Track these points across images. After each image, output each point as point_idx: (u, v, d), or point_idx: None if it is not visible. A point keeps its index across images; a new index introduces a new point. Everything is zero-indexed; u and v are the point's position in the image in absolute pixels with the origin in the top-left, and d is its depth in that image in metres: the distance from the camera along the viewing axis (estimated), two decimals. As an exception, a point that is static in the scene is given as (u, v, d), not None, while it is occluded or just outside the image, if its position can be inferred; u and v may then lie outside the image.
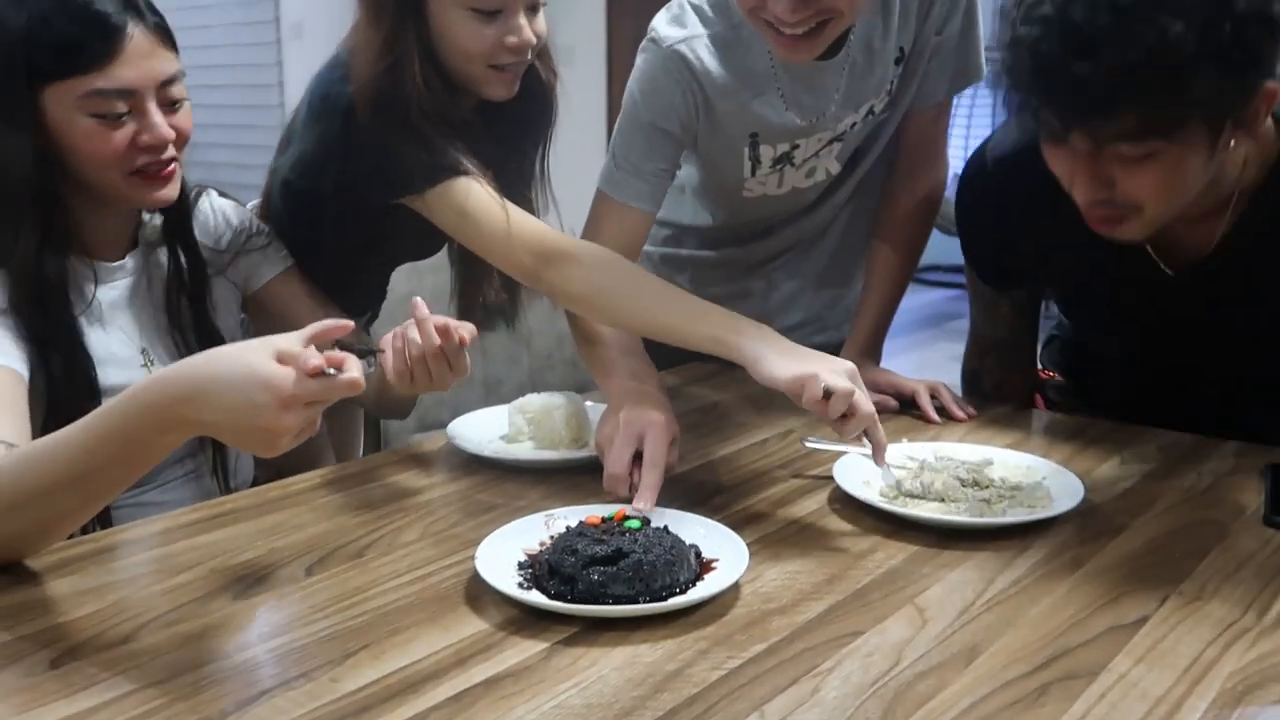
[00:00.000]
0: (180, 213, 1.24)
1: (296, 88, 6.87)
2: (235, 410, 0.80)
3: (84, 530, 1.00)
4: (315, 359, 0.81)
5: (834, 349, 1.55)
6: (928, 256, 6.32)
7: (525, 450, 1.23)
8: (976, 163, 1.35)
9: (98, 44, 1.08)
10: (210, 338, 1.24)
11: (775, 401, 1.44)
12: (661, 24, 1.38)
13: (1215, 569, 0.94)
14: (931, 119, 1.51)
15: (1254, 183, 1.15)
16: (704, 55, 1.35)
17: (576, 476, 1.15)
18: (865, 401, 1.00)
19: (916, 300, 7.28)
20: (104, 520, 1.08)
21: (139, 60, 1.10)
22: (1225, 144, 1.04)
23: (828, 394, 0.97)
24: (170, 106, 1.14)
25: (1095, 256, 1.22)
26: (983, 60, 1.47)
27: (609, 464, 1.08)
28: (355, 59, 1.26)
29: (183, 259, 1.25)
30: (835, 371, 1.00)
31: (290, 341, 0.82)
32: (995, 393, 1.45)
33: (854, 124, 1.44)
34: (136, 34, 1.10)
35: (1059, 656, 0.79)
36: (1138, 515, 1.06)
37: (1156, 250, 1.22)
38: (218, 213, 1.33)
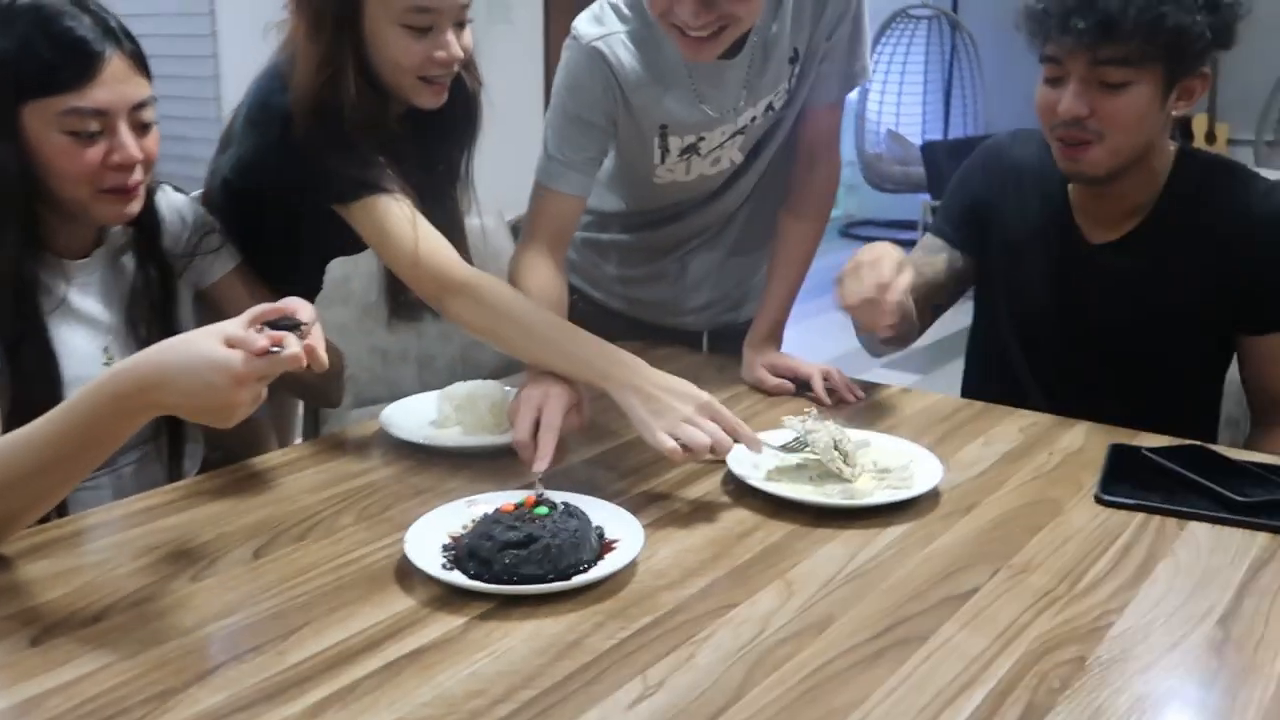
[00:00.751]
0: (149, 227, 1.33)
1: (229, 37, 6.77)
2: (194, 393, 0.94)
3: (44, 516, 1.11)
4: (261, 340, 0.95)
5: (743, 324, 1.70)
6: (862, 211, 6.52)
7: (453, 436, 1.35)
8: (994, 139, 1.68)
9: (77, 66, 1.16)
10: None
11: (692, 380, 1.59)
12: (582, 23, 1.51)
13: (1045, 543, 1.09)
14: (825, 117, 1.64)
15: (1165, 182, 1.48)
16: (620, 51, 1.48)
17: (500, 460, 1.28)
18: (718, 435, 1.17)
19: (848, 255, 7.47)
20: (60, 506, 1.19)
21: (114, 84, 1.18)
22: (1171, 104, 1.39)
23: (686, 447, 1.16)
24: (141, 129, 1.22)
25: (1039, 226, 1.56)
26: (869, 63, 1.61)
27: (514, 433, 1.23)
28: (294, 70, 1.35)
29: (150, 271, 1.33)
30: (688, 419, 1.18)
31: (235, 326, 0.96)
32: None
33: (754, 118, 1.57)
34: (114, 59, 1.18)
35: (898, 624, 0.94)
36: (989, 494, 1.21)
37: (1084, 224, 1.51)
38: (174, 211, 1.40)
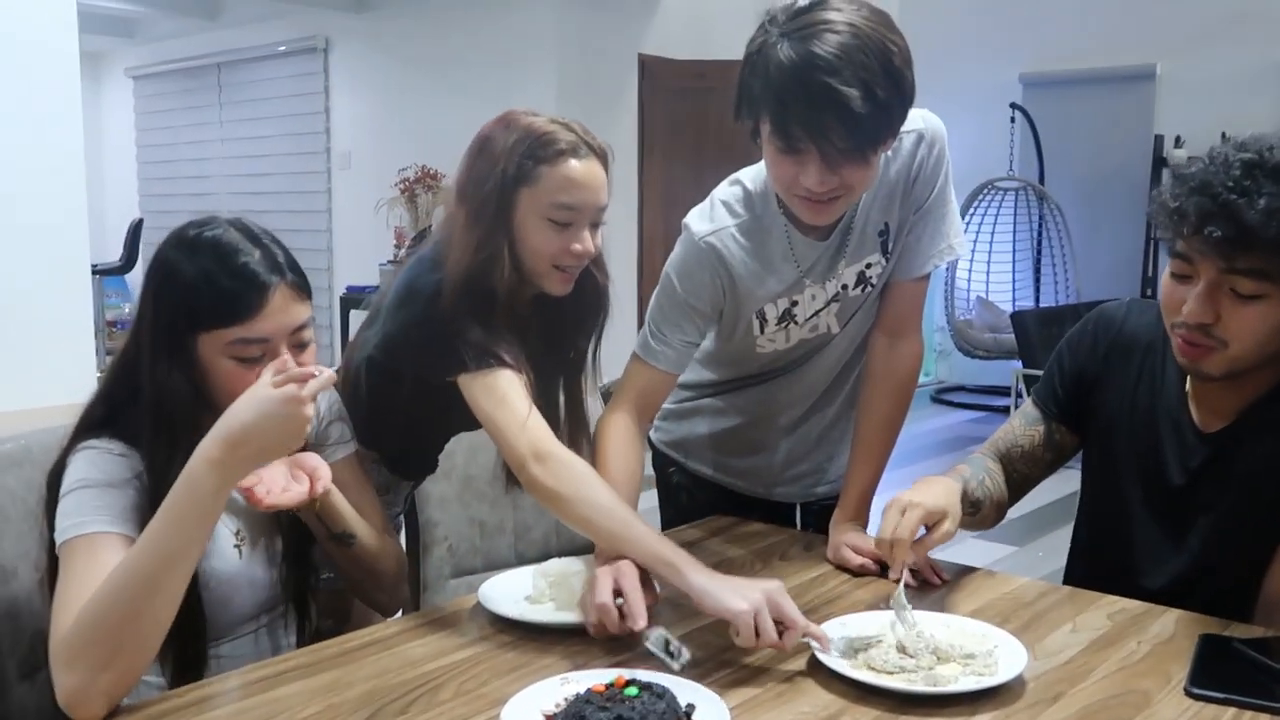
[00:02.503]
0: None
1: (342, 210, 7.19)
2: (274, 427, 1.16)
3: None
4: (305, 369, 1.20)
5: (834, 500, 1.75)
6: (953, 377, 6.52)
7: (546, 612, 1.41)
8: (1113, 305, 1.63)
9: (247, 300, 1.28)
10: (301, 538, 1.44)
11: (776, 559, 1.63)
12: (694, 219, 1.65)
13: (1133, 737, 1.09)
14: (909, 290, 1.71)
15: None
16: (730, 245, 1.62)
17: (592, 637, 1.33)
18: (792, 616, 1.25)
19: (939, 421, 7.42)
20: (184, 673, 1.27)
21: (278, 315, 1.30)
22: None
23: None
24: (299, 349, 1.33)
25: (1149, 405, 1.51)
26: (959, 241, 1.68)
27: (594, 597, 1.30)
28: (451, 250, 1.53)
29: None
30: (764, 605, 1.25)
31: (269, 374, 1.19)
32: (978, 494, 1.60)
33: (846, 286, 1.66)
34: (279, 290, 1.30)
35: (983, 817, 0.95)
36: (1076, 683, 1.22)
37: (1197, 410, 1.46)
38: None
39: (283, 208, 7.32)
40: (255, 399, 1.16)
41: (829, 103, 1.36)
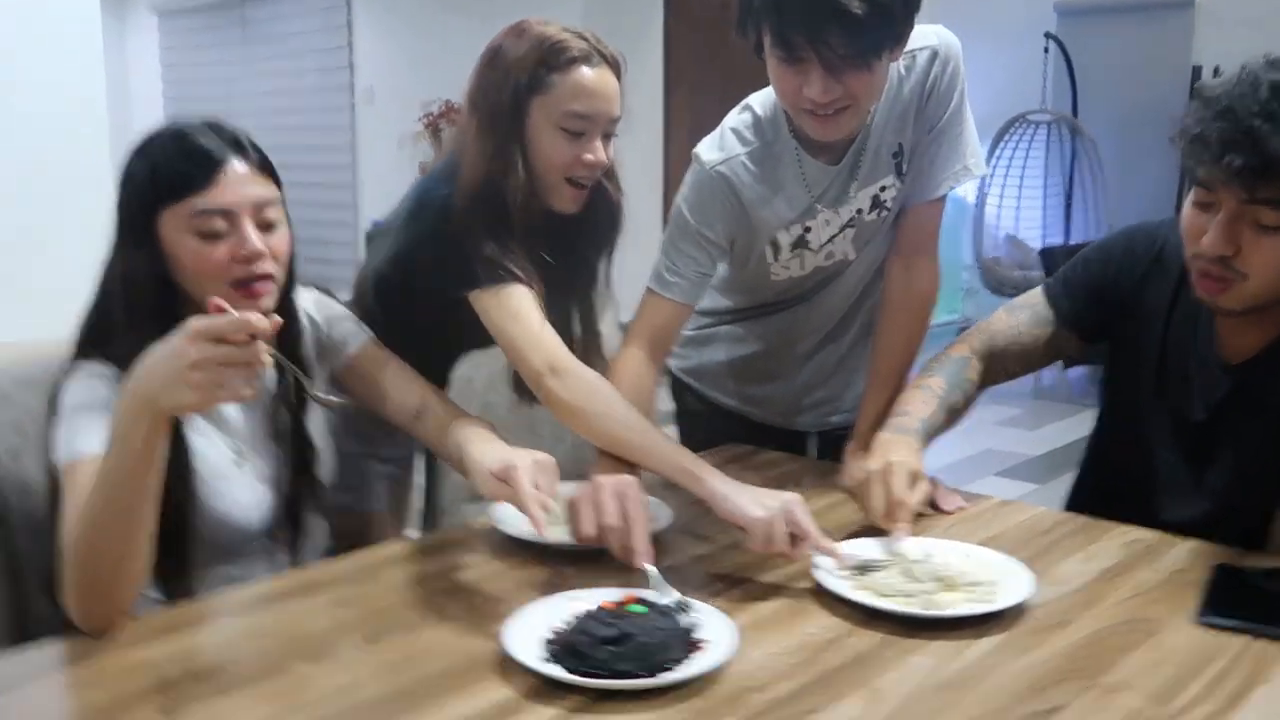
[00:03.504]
0: (287, 332, 1.39)
1: (366, 146, 7.17)
2: (155, 359, 1.06)
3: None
4: (219, 302, 1.07)
5: (848, 429, 1.74)
6: (980, 314, 6.42)
7: (561, 534, 1.41)
8: (1152, 223, 1.56)
9: (203, 172, 1.28)
10: (306, 444, 1.43)
11: (791, 486, 1.62)
12: (705, 149, 1.62)
13: (1138, 663, 1.09)
14: (925, 213, 1.68)
15: None
16: (741, 173, 1.59)
17: (606, 557, 1.33)
18: (806, 527, 1.26)
19: (966, 360, 7.36)
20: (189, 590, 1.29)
21: (236, 186, 1.29)
22: None
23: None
24: (267, 229, 1.32)
25: (1178, 331, 1.46)
26: (975, 162, 1.64)
27: (603, 518, 1.28)
28: (464, 161, 1.52)
29: (286, 376, 1.41)
30: (780, 514, 1.26)
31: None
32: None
33: (861, 210, 1.64)
34: (235, 163, 1.29)
35: (982, 737, 0.95)
36: (1085, 610, 1.21)
37: (1225, 338, 1.42)
38: (302, 314, 1.49)
39: (307, 143, 7.30)
40: (165, 342, 1.07)
41: (827, 7, 1.33)
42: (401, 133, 6.33)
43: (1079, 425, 4.99)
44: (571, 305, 1.68)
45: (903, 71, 1.57)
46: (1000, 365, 1.61)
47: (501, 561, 1.35)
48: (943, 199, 1.66)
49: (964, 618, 1.16)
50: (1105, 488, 1.60)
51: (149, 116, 8.66)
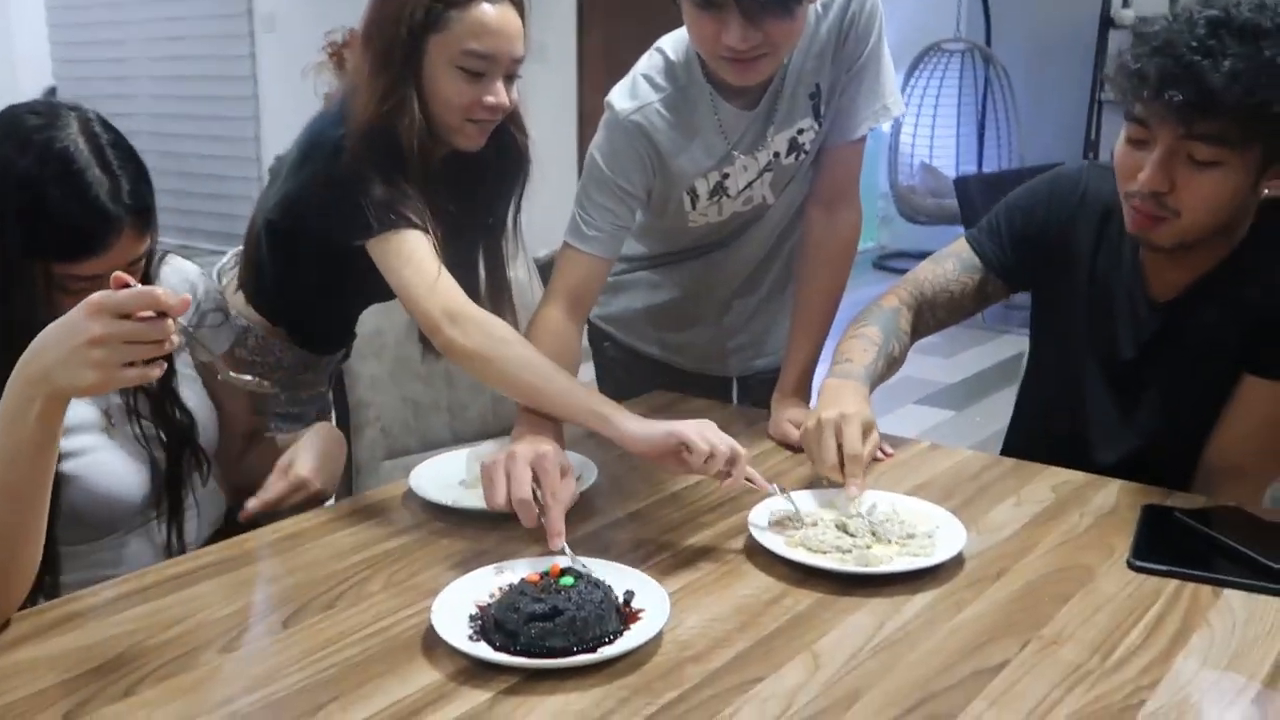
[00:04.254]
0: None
1: (270, 80, 6.89)
2: (49, 335, 0.96)
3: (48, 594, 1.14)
4: (125, 276, 0.97)
5: (773, 371, 1.71)
6: (895, 243, 6.52)
7: (481, 497, 1.35)
8: (1074, 166, 1.55)
9: (89, 241, 1.14)
10: (181, 410, 1.33)
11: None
12: (617, 96, 1.55)
13: (1075, 613, 1.08)
14: (845, 155, 1.64)
15: (1240, 239, 1.38)
16: (656, 120, 1.53)
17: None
18: (723, 446, 1.22)
19: (881, 288, 7.40)
20: (54, 580, 1.20)
21: (116, 258, 1.15)
22: (1263, 186, 1.29)
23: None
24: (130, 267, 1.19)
25: (1105, 272, 1.46)
26: (894, 101, 1.60)
27: (514, 491, 1.20)
28: (355, 100, 1.43)
29: (199, 355, 1.33)
30: (697, 432, 1.22)
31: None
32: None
33: (778, 154, 1.59)
34: (122, 233, 1.16)
35: (926, 700, 0.93)
36: (1018, 559, 1.20)
37: (1152, 279, 1.42)
38: (185, 281, 1.40)
39: (205, 74, 6.98)
40: (62, 317, 0.97)
41: None
42: (306, 63, 6.07)
43: (994, 351, 5.08)
44: (477, 254, 1.61)
45: (819, 10, 1.51)
46: (930, 314, 1.59)
47: (422, 530, 1.29)
48: (862, 140, 1.62)
49: (898, 574, 1.14)
50: (1038, 430, 1.60)
51: (34, 48, 8.23)
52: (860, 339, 1.51)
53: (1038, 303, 1.58)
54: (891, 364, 1.52)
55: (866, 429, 1.35)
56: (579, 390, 1.34)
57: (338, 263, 1.48)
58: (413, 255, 1.38)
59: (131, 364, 0.96)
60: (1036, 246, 1.53)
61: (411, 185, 1.43)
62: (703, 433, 1.23)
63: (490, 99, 1.44)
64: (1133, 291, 1.44)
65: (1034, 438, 1.58)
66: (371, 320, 1.90)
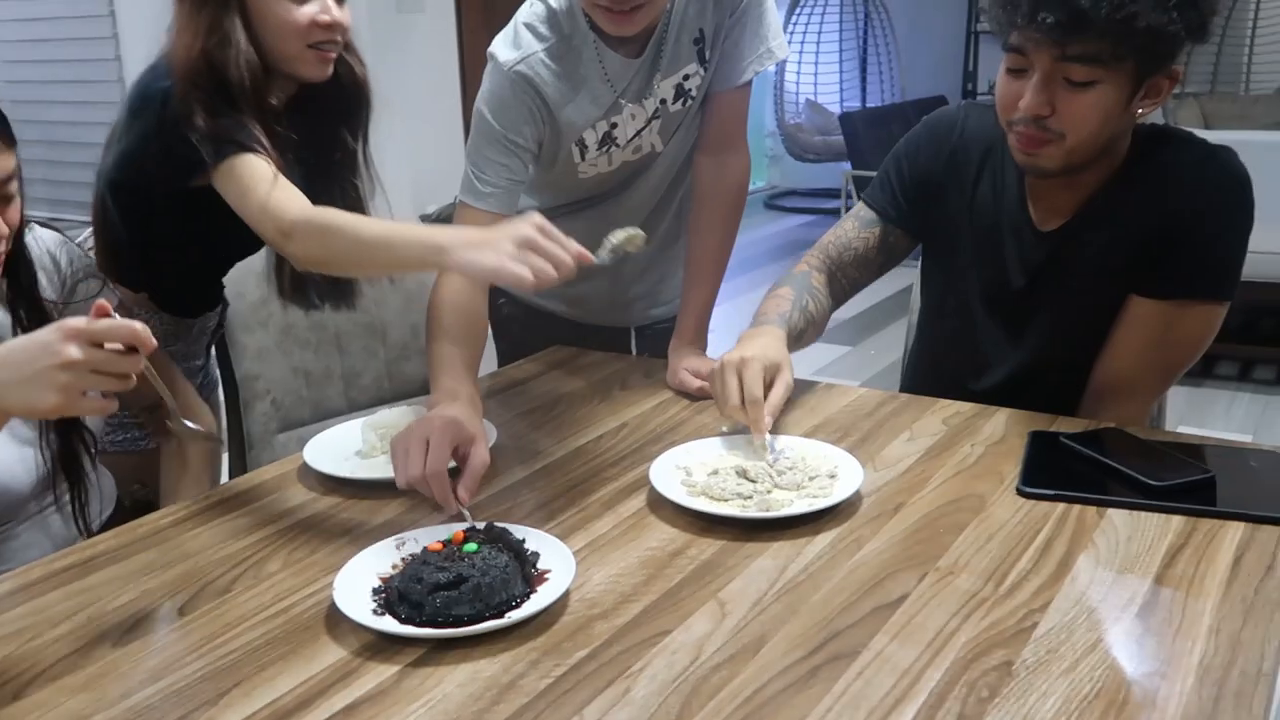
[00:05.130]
0: (19, 274, 1.27)
1: (132, 41, 6.58)
2: (12, 351, 0.94)
3: None
4: (105, 306, 0.95)
5: (670, 320, 1.71)
6: (786, 181, 6.56)
7: (379, 466, 1.34)
8: (950, 109, 1.58)
9: None
10: None
11: (616, 388, 1.60)
12: (500, 47, 1.52)
13: (970, 542, 1.11)
14: (731, 100, 1.63)
15: (1120, 165, 1.41)
16: (541, 71, 1.50)
17: (427, 489, 1.27)
18: (556, 254, 1.11)
19: (773, 227, 7.49)
20: None
21: None
22: (1137, 104, 1.32)
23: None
24: (4, 202, 1.18)
25: (990, 207, 1.49)
26: (778, 45, 1.60)
27: (408, 470, 1.16)
28: (178, 43, 1.39)
29: (24, 318, 1.27)
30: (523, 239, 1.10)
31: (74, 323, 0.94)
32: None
33: (665, 100, 1.58)
34: None
35: (830, 639, 0.95)
36: (914, 493, 1.23)
37: (1036, 210, 1.45)
38: (45, 252, 1.36)
39: (65, 35, 6.63)
40: (29, 336, 0.95)
41: None
42: (168, 20, 5.82)
43: (884, 285, 5.17)
44: (334, 194, 1.56)
45: None
46: (841, 274, 1.60)
47: (319, 504, 1.26)
48: (748, 85, 1.62)
49: (799, 516, 1.16)
50: (934, 363, 1.63)
51: None
52: (774, 299, 1.53)
53: (927, 243, 1.61)
54: (811, 322, 1.53)
55: (770, 371, 1.34)
56: (421, 230, 1.26)
57: (189, 210, 1.44)
58: (245, 179, 1.33)
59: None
60: (924, 189, 1.55)
61: (247, 116, 1.39)
62: (534, 250, 1.11)
63: (324, 17, 1.41)
64: (1018, 223, 1.47)
65: (929, 371, 1.61)
66: (256, 289, 1.85)
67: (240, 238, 1.41)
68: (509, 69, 1.49)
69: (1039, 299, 1.48)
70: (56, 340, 0.92)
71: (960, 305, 1.55)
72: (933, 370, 1.62)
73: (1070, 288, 1.45)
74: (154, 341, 0.95)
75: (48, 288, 1.34)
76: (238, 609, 1.03)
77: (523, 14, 1.53)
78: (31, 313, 1.28)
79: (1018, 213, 1.47)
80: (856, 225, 1.61)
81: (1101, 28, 1.23)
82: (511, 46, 1.50)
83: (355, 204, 1.57)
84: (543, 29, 1.51)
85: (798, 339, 1.50)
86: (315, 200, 1.36)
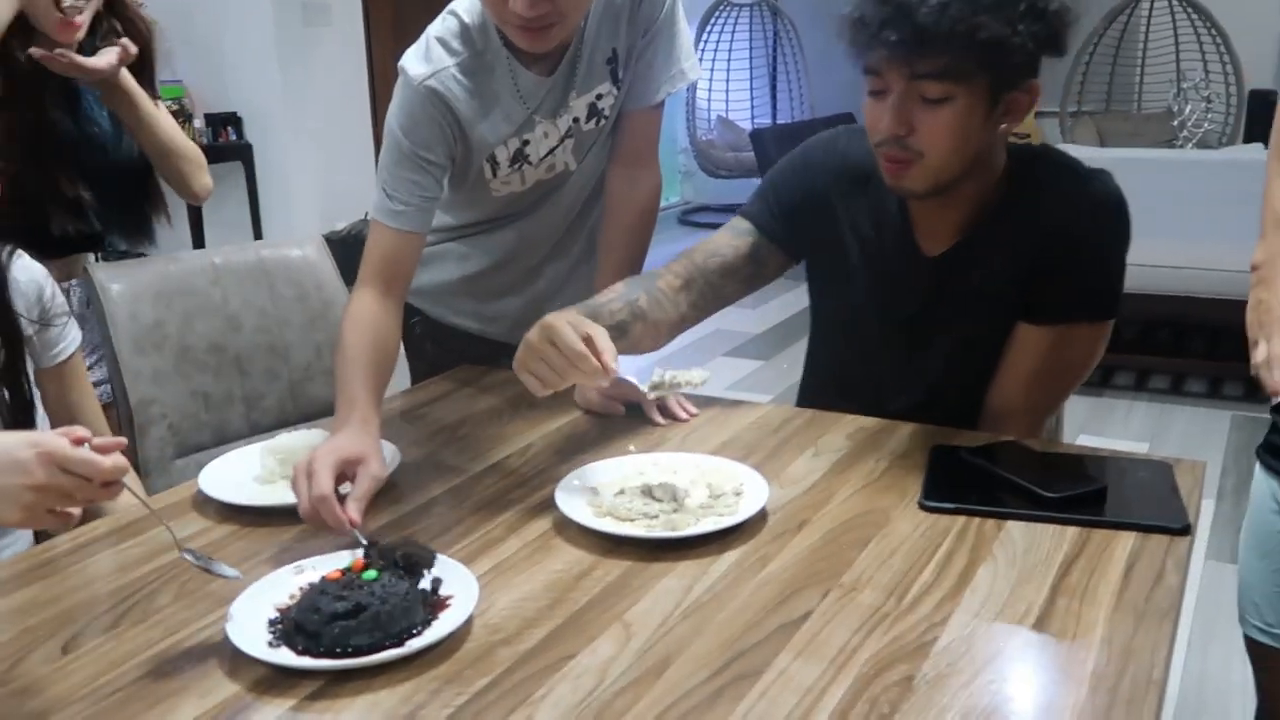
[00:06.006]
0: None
1: None
2: None
3: None
4: (82, 432, 0.95)
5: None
6: (699, 197, 6.60)
7: (278, 493, 1.30)
8: (830, 133, 1.57)
9: None
10: (23, 411, 1.28)
11: (526, 406, 1.58)
12: (411, 62, 1.49)
13: (873, 557, 1.12)
14: (643, 120, 1.64)
15: (995, 189, 1.43)
16: (453, 86, 1.48)
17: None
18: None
19: (686, 242, 7.50)
20: None
21: None
22: (997, 119, 1.33)
23: None
24: None
25: (874, 233, 1.49)
26: (690, 66, 1.61)
27: (312, 486, 1.15)
28: None
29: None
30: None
31: (54, 438, 0.96)
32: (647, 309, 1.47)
33: (578, 119, 1.57)
34: None
35: (735, 659, 0.95)
36: (819, 509, 1.24)
37: (920, 235, 1.46)
38: (33, 281, 1.37)
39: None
40: (4, 445, 0.95)
41: None
42: None
43: (795, 300, 5.22)
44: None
45: None
46: (704, 280, 1.52)
47: (215, 533, 1.23)
48: (661, 105, 1.63)
49: (704, 535, 1.16)
50: (831, 385, 1.63)
51: None
52: (604, 291, 1.48)
53: (813, 269, 1.61)
54: (640, 318, 1.44)
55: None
56: None
57: None
58: None
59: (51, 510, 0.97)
60: (803, 213, 1.54)
61: None
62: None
63: None
64: (904, 248, 1.48)
65: (827, 392, 1.62)
66: (150, 312, 1.80)
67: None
68: (420, 84, 1.47)
69: (934, 323, 1.49)
70: (30, 461, 0.94)
71: (856, 332, 1.55)
72: (832, 390, 1.62)
73: (962, 312, 1.47)
74: (126, 470, 0.97)
75: (30, 309, 1.35)
76: (125, 645, 0.99)
77: (435, 28, 1.51)
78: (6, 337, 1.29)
79: (903, 238, 1.48)
80: (729, 234, 1.57)
81: (945, 42, 1.24)
82: (423, 61, 1.48)
83: None
84: (455, 44, 1.49)
85: (622, 332, 1.41)
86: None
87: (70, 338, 1.43)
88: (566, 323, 1.23)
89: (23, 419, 1.31)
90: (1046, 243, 1.40)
